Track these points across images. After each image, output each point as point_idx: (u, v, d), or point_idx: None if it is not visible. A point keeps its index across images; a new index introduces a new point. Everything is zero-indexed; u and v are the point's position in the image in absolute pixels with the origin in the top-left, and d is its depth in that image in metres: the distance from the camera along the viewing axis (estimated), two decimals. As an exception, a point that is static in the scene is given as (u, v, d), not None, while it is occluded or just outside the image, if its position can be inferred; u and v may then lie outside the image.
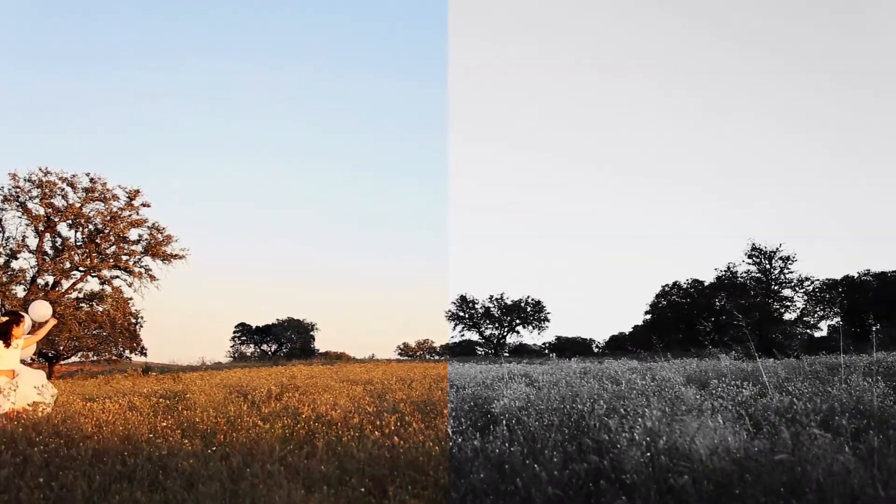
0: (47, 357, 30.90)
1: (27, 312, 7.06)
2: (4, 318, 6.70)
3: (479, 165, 76.18)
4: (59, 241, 24.25)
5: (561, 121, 77.10)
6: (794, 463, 3.10)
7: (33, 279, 23.48)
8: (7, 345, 6.52)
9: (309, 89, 72.63)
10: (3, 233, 23.48)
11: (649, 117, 74.74)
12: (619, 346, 58.39)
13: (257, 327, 63.69)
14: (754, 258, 43.91)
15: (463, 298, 61.83)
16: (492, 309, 61.96)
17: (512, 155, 79.32)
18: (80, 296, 24.89)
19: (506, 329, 61.55)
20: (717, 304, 44.76)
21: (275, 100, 72.70)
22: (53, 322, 7.32)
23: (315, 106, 73.30)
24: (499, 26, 72.51)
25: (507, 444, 3.91)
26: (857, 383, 5.84)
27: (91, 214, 24.08)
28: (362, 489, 3.39)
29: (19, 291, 23.27)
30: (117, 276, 25.36)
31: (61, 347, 29.63)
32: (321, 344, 62.33)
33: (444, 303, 63.37)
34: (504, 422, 4.86)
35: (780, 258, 43.25)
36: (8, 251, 23.26)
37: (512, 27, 73.25)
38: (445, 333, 63.74)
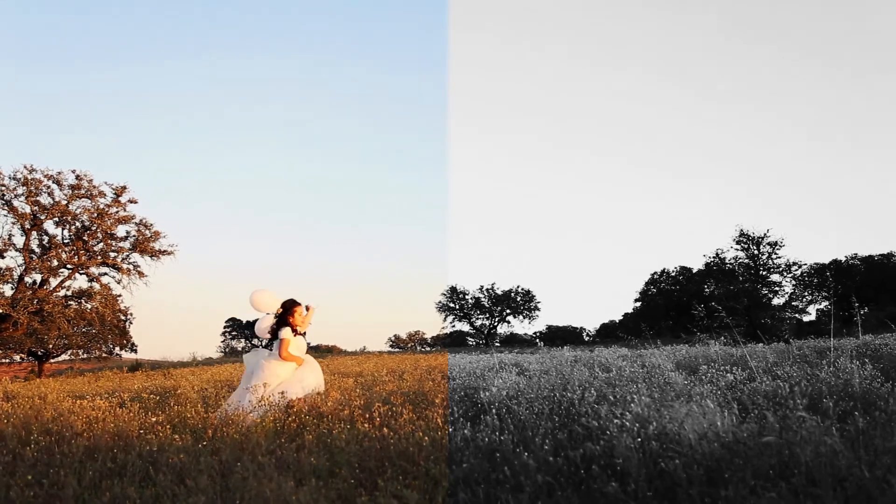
0: (37, 355, 30.70)
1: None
2: (281, 309, 6.71)
3: (468, 157, 76.12)
4: (45, 238, 24.03)
5: (548, 111, 77.14)
6: (783, 446, 3.13)
7: (20, 277, 23.28)
8: (295, 332, 6.64)
9: (298, 82, 72.13)
10: (-10, 231, 23.22)
11: (636, 106, 74.90)
12: (609, 333, 58.84)
13: (248, 322, 63.54)
14: (742, 244, 44.13)
15: (453, 289, 61.84)
16: (482, 299, 62.03)
17: (500, 145, 79.33)
18: (69, 293, 24.71)
19: (496, 319, 61.64)
20: (707, 290, 45.03)
21: (262, 93, 72.17)
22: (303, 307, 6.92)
23: (303, 98, 72.83)
24: (492, 20, 72.31)
25: (497, 433, 3.92)
26: (845, 366, 5.90)
27: (78, 211, 23.88)
28: (353, 481, 3.38)
29: (7, 290, 23.11)
30: (105, 273, 25.22)
31: (51, 346, 29.43)
32: (312, 337, 62.30)
33: (436, 294, 63.44)
34: (494, 411, 4.87)
35: (768, 243, 43.45)
36: (-6, 250, 23.03)
37: (503, 20, 73.09)
38: (436, 324, 63.81)
